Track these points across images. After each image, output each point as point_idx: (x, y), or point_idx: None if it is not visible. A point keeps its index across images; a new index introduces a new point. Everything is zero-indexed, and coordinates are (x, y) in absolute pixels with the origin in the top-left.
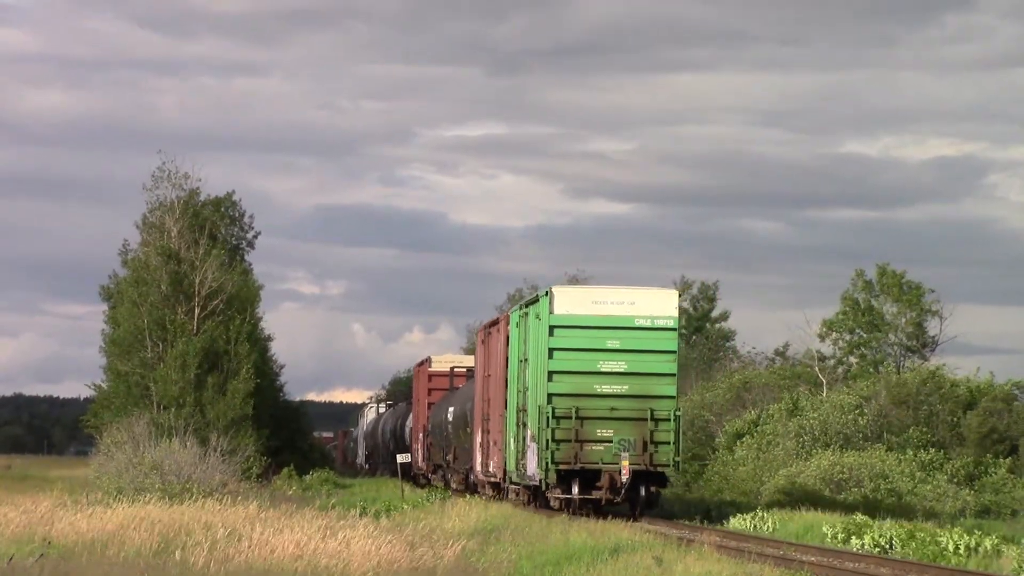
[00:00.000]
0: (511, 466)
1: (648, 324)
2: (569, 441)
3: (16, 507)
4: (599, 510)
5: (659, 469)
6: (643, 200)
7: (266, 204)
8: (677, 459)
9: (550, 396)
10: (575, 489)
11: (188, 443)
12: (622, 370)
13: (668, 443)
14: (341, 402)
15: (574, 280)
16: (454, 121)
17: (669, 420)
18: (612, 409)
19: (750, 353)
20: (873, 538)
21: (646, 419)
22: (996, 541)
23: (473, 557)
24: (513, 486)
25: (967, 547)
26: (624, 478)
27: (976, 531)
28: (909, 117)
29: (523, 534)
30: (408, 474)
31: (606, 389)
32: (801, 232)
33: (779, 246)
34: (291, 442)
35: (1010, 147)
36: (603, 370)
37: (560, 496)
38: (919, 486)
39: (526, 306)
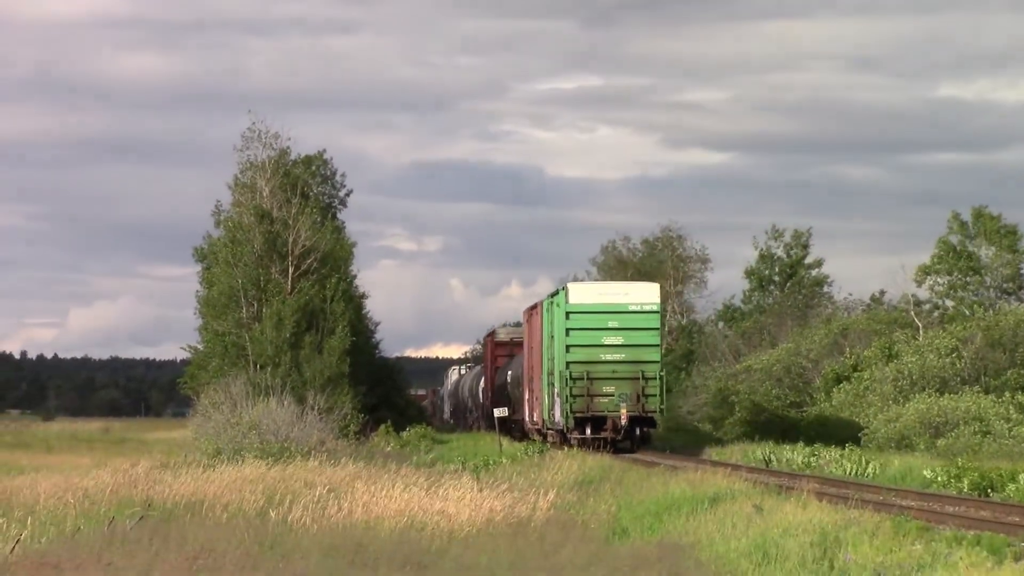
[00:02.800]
0: (546, 416)
1: (638, 309)
2: (583, 396)
3: (116, 470)
4: (608, 445)
5: (649, 415)
6: (739, 149)
7: (362, 162)
8: (662, 407)
9: (568, 363)
10: (588, 431)
11: (285, 402)
12: (620, 343)
13: (655, 395)
14: (438, 357)
15: (667, 231)
16: (549, 74)
17: (655, 378)
18: (613, 371)
19: (846, 300)
20: (973, 480)
21: (638, 378)
22: None
23: (572, 509)
24: (549, 431)
25: None
26: (623, 422)
27: None
28: (1004, 60)
29: (622, 485)
30: (504, 426)
31: (608, 357)
32: (897, 177)
33: (875, 192)
34: (387, 399)
35: None
36: (606, 343)
37: (577, 436)
38: (1016, 428)
39: (551, 297)
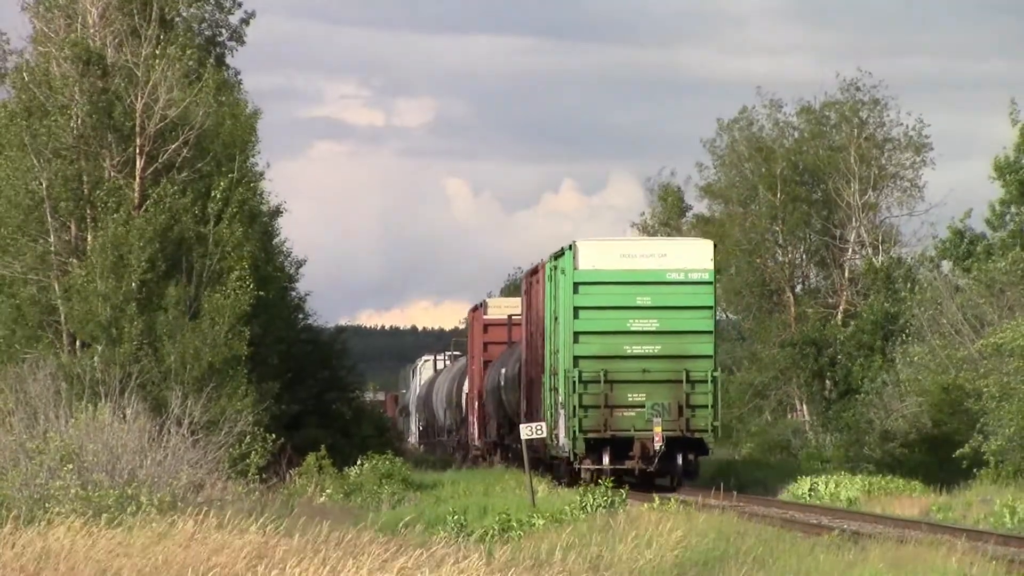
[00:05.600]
0: (549, 437)
1: (681, 278)
2: (598, 407)
3: None
4: (638, 481)
5: (696, 435)
6: None
7: None
8: (715, 424)
9: (576, 359)
10: (606, 459)
11: (130, 410)
12: (654, 329)
13: (706, 407)
14: (421, 328)
15: (848, 89)
16: None
17: (706, 382)
18: (644, 371)
19: None
20: None
21: (681, 381)
22: None
23: None
24: (554, 459)
25: None
26: (657, 446)
27: None
28: None
29: (769, 570)
30: (540, 462)
31: (637, 350)
32: None
33: None
34: (322, 407)
35: None
36: (633, 329)
37: (590, 467)
38: None
39: (554, 259)
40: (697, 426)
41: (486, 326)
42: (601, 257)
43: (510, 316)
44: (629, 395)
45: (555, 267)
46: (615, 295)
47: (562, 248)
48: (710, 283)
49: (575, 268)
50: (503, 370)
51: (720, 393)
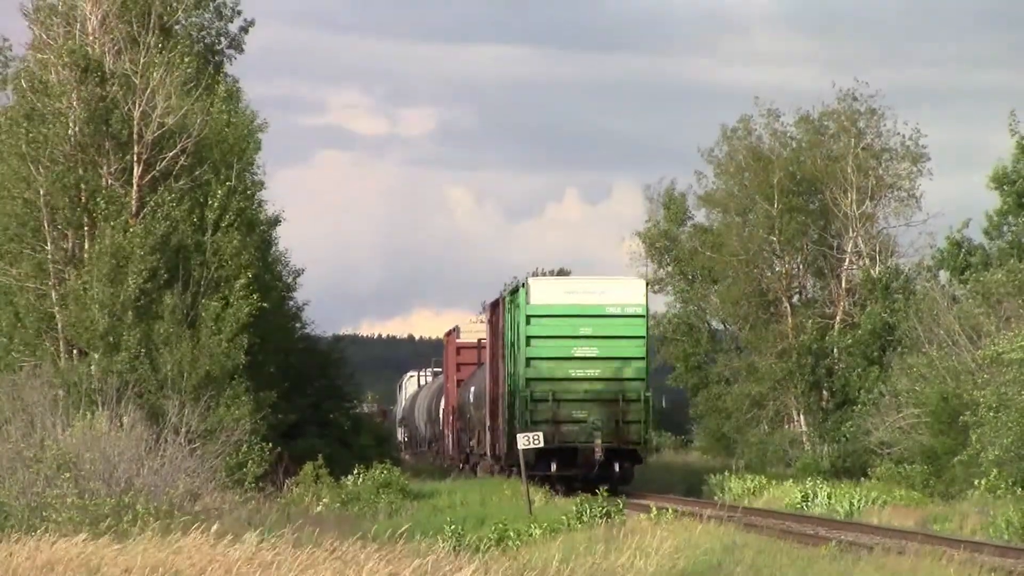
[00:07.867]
0: (505, 447)
1: (618, 311)
2: (547, 422)
3: None
4: (584, 485)
5: (631, 447)
6: None
7: None
8: (647, 437)
9: (528, 381)
10: (553, 466)
11: (127, 419)
12: (594, 355)
13: (639, 422)
14: (417, 338)
15: (846, 99)
16: None
17: (639, 401)
18: (586, 392)
19: None
20: None
21: (618, 400)
22: None
23: None
24: (513, 467)
25: None
26: (598, 455)
27: None
28: None
29: None
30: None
31: (580, 373)
32: None
33: None
34: (320, 416)
35: None
36: (577, 355)
37: (540, 474)
38: None
39: (511, 294)
40: (631, 439)
41: (459, 348)
42: (550, 293)
43: (479, 340)
44: (573, 412)
45: (511, 301)
46: (561, 326)
47: (517, 285)
48: (643, 316)
49: (527, 302)
50: (472, 388)
51: (651, 411)
